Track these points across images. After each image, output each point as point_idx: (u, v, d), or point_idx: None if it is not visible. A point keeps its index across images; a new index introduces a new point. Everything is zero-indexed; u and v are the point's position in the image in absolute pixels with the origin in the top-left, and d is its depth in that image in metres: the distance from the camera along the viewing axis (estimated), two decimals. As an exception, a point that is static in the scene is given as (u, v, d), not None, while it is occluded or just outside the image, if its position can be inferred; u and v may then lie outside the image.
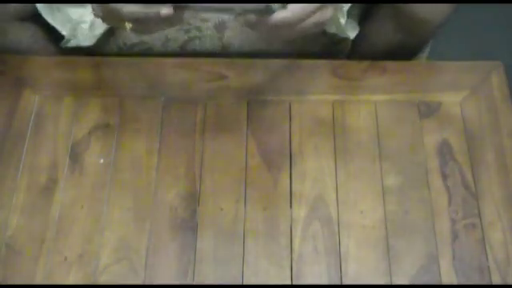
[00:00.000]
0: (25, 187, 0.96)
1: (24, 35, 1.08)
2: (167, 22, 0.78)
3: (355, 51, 1.15)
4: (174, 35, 1.17)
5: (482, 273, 0.89)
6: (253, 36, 1.18)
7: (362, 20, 1.11)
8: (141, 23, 0.79)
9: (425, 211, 0.93)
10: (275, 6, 0.74)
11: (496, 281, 0.88)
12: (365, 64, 1.05)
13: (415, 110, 1.02)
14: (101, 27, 1.07)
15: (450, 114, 1.02)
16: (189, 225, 0.93)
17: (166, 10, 0.76)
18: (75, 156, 0.98)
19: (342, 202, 0.94)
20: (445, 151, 0.98)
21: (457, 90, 1.04)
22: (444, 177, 0.96)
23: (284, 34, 0.78)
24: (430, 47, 1.15)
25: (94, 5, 0.80)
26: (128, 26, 0.81)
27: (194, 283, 0.88)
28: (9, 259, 0.90)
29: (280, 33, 0.77)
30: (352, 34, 1.09)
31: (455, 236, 0.91)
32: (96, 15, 0.81)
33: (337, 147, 0.99)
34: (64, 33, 1.06)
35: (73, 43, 1.09)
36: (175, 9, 0.76)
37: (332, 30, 1.08)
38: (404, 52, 1.10)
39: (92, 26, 1.07)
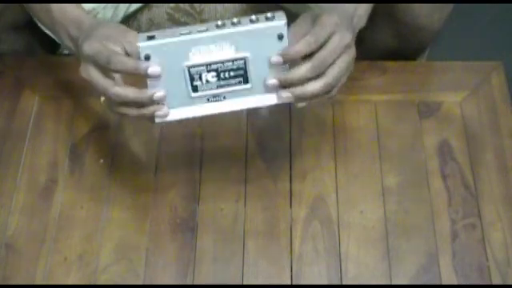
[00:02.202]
0: (25, 187, 0.96)
1: (18, 44, 1.08)
2: (142, 108, 0.79)
3: None
4: (174, 35, 1.17)
5: (482, 273, 0.89)
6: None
7: None
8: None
9: (425, 211, 0.93)
10: None
11: (496, 281, 0.88)
12: (364, 64, 1.05)
13: (415, 110, 1.02)
14: None
15: (449, 114, 1.02)
16: (189, 225, 0.93)
17: (153, 68, 0.76)
18: (75, 156, 0.98)
19: (341, 202, 0.94)
20: (445, 151, 0.98)
21: (457, 90, 1.04)
22: (444, 177, 0.96)
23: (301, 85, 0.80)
24: (430, 47, 1.15)
25: (82, 68, 0.81)
26: (102, 98, 0.81)
27: (194, 283, 0.88)
28: (9, 259, 0.90)
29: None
30: None
31: (455, 236, 0.91)
32: (84, 79, 0.82)
33: (337, 147, 0.99)
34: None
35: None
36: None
37: None
38: (402, 57, 1.09)
39: None
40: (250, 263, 0.90)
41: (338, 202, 0.94)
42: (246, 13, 1.14)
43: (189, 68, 0.78)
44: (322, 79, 0.79)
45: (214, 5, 1.13)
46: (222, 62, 0.78)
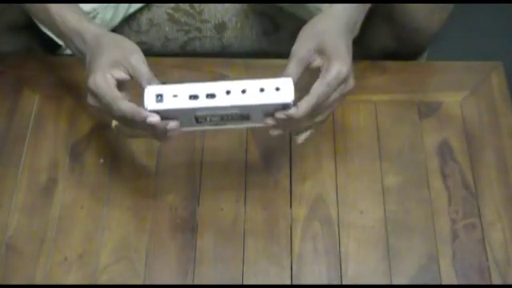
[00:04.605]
0: (25, 187, 0.96)
1: (18, 44, 1.08)
2: (152, 131, 0.80)
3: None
4: (174, 35, 1.17)
5: (482, 273, 0.89)
6: (252, 36, 1.18)
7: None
8: (126, 123, 0.81)
9: (425, 211, 0.93)
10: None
11: (496, 281, 0.88)
12: (364, 64, 1.05)
13: (415, 110, 1.02)
14: None
15: (449, 114, 1.02)
16: (189, 225, 0.93)
17: (152, 118, 0.77)
18: (75, 156, 0.98)
19: (341, 202, 0.94)
20: (445, 151, 0.98)
21: (457, 90, 1.04)
22: (444, 177, 0.96)
23: (295, 126, 0.83)
24: (430, 47, 1.15)
25: (90, 99, 0.82)
26: (114, 123, 0.83)
27: (194, 283, 0.88)
28: (9, 259, 0.90)
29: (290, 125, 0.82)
30: None
31: (455, 236, 0.91)
32: (90, 107, 0.83)
33: (337, 147, 0.99)
34: (60, 42, 1.06)
35: (70, 51, 1.08)
36: (163, 119, 0.78)
37: None
38: (401, 58, 1.09)
39: None
40: (250, 263, 0.90)
41: (337, 202, 0.94)
42: (246, 13, 1.14)
43: (195, 116, 0.80)
44: (313, 119, 0.82)
45: (214, 5, 1.13)
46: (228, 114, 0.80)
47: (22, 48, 1.10)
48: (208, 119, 0.81)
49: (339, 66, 0.79)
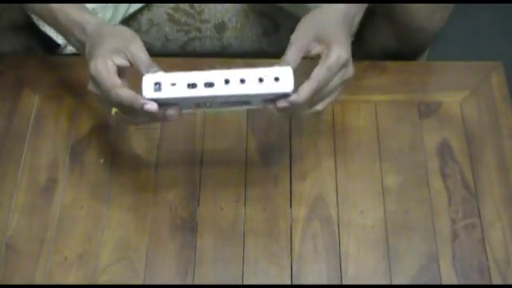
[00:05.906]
0: (25, 187, 0.96)
1: (18, 44, 1.08)
2: (151, 118, 0.80)
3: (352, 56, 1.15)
4: (174, 36, 1.17)
5: (482, 273, 0.89)
6: (252, 36, 1.18)
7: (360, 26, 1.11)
8: (125, 110, 0.81)
9: (425, 211, 0.93)
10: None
11: (496, 281, 0.88)
12: (364, 64, 1.05)
13: (415, 110, 1.02)
14: None
15: (449, 114, 1.02)
16: (189, 225, 0.93)
17: (150, 106, 0.77)
18: (75, 156, 0.98)
19: (341, 202, 0.94)
20: (445, 151, 0.98)
21: (457, 90, 1.04)
22: (444, 177, 0.96)
23: (296, 112, 0.83)
24: (430, 47, 1.15)
25: (91, 85, 0.82)
26: (114, 110, 0.83)
27: (194, 283, 0.88)
28: (9, 259, 0.90)
29: (292, 111, 0.81)
30: None
31: (455, 236, 0.91)
32: (91, 94, 0.83)
33: (337, 147, 0.99)
34: (59, 41, 1.06)
35: (69, 50, 1.08)
36: (161, 106, 0.78)
37: None
38: (402, 58, 1.09)
39: None
40: (250, 263, 0.90)
41: (337, 202, 0.94)
42: (246, 13, 1.14)
43: (195, 102, 0.80)
44: (314, 105, 0.82)
45: (214, 5, 1.13)
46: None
47: (22, 48, 1.10)
48: (208, 104, 0.81)
49: (339, 51, 0.79)
